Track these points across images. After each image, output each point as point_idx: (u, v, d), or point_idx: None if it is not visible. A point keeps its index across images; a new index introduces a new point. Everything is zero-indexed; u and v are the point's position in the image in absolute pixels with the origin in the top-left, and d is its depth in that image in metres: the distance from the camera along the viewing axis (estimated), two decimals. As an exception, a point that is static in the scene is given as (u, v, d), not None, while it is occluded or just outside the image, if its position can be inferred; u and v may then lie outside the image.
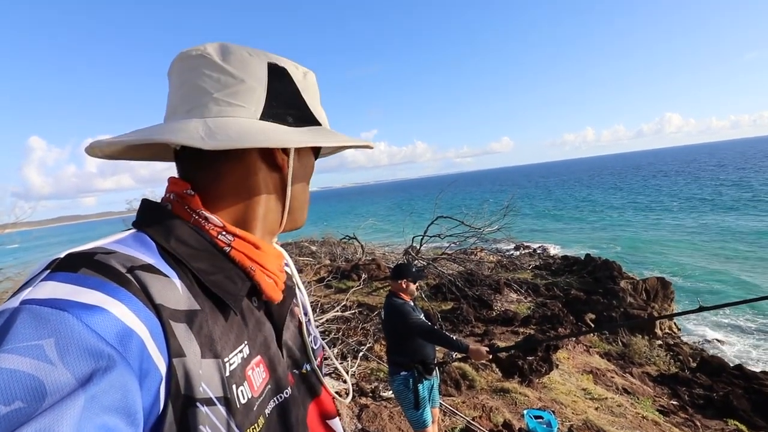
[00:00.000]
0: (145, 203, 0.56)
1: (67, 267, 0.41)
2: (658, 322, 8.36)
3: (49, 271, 0.41)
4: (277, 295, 0.61)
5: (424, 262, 10.08)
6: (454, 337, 2.76)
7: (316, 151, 0.69)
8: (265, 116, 0.55)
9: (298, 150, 0.62)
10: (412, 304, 2.97)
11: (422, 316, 2.93)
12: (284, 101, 0.58)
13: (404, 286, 2.94)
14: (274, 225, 0.62)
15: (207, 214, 0.55)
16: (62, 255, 0.44)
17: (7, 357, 0.33)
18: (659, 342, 7.84)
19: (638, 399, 5.37)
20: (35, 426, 0.30)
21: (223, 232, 0.55)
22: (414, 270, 2.99)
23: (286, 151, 0.60)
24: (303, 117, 0.59)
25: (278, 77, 0.58)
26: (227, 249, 0.55)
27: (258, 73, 0.56)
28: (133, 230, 0.53)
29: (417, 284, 3.01)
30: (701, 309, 2.13)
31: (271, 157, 0.59)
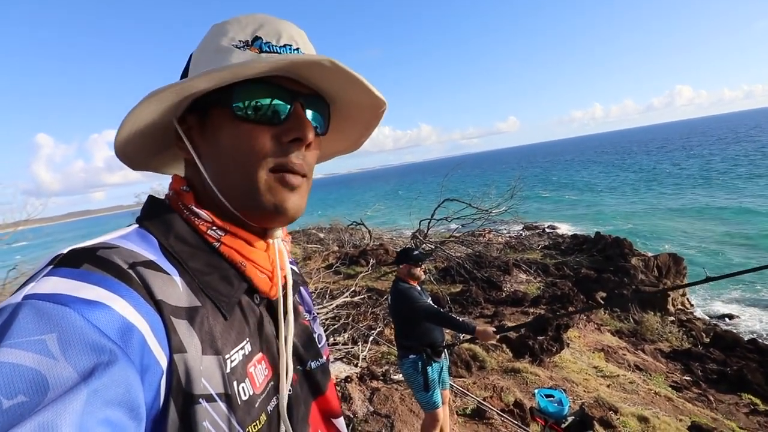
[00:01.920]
0: (149, 200, 0.57)
1: (70, 263, 0.41)
2: (669, 299, 8.29)
3: (51, 266, 0.41)
4: (272, 291, 0.59)
5: (432, 246, 10.07)
6: (461, 319, 2.76)
7: (233, 110, 0.53)
8: None
9: (200, 118, 0.56)
10: (419, 288, 2.97)
11: (429, 300, 2.93)
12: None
13: (409, 270, 2.94)
14: (222, 198, 0.56)
15: (197, 209, 0.55)
16: (65, 251, 0.44)
17: (9, 351, 0.33)
18: (671, 318, 7.81)
19: (651, 375, 5.36)
20: (37, 420, 0.30)
21: (213, 227, 0.54)
22: (417, 253, 2.98)
23: (183, 121, 0.58)
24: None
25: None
26: (216, 244, 0.54)
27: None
28: (136, 226, 0.53)
29: (422, 267, 3.00)
30: (708, 279, 2.10)
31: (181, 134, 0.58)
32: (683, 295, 9.10)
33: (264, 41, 0.54)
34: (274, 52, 0.54)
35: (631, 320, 7.40)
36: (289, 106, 0.55)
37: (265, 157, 0.53)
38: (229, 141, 0.54)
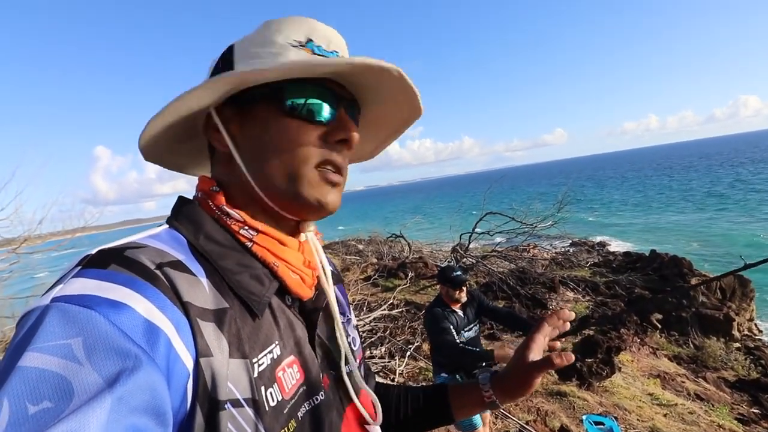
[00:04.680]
0: (179, 200, 0.58)
1: (97, 263, 0.42)
2: (734, 323, 7.59)
3: (80, 267, 0.42)
4: (304, 292, 0.58)
5: (473, 260, 9.84)
6: (479, 350, 2.59)
7: (284, 106, 0.54)
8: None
9: (240, 111, 0.56)
10: (461, 313, 2.83)
11: (473, 326, 2.81)
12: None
13: (447, 292, 2.84)
14: (261, 192, 0.56)
15: (228, 209, 0.55)
16: (93, 251, 0.44)
17: (36, 356, 0.33)
18: (737, 345, 7.14)
19: (713, 406, 4.90)
20: (62, 428, 0.30)
21: (245, 227, 0.54)
22: (457, 275, 2.80)
23: (219, 113, 0.57)
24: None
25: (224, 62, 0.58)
26: (249, 244, 0.54)
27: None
28: (167, 226, 0.54)
29: (463, 290, 2.83)
30: (746, 267, 1.97)
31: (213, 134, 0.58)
32: (750, 320, 8.31)
33: (316, 44, 0.56)
34: (323, 56, 0.56)
35: (691, 345, 6.84)
36: (335, 109, 0.57)
37: (313, 153, 0.55)
38: (277, 135, 0.54)
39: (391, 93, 0.59)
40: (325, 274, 0.65)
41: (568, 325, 0.74)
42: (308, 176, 0.55)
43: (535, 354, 0.70)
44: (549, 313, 0.74)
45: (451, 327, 2.70)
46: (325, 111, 0.55)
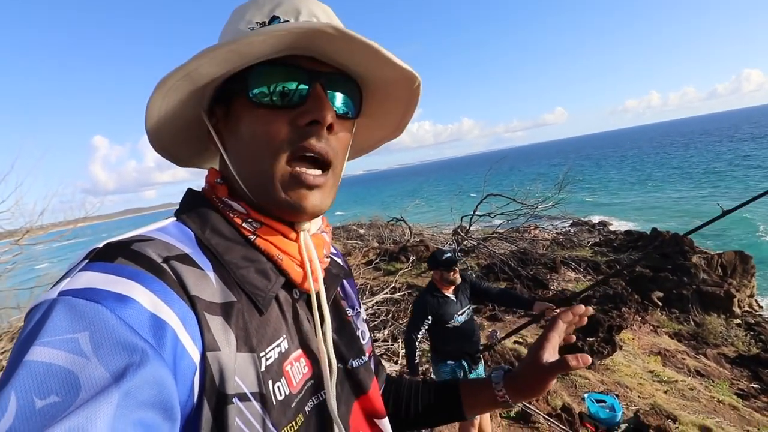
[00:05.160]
0: (188, 192, 0.58)
1: (105, 257, 0.41)
2: (735, 300, 7.65)
3: (87, 261, 0.41)
4: (309, 285, 0.56)
5: (474, 242, 9.87)
6: (417, 361, 2.76)
7: (250, 97, 0.51)
8: None
9: (225, 109, 0.55)
10: (453, 297, 2.83)
11: (465, 310, 2.84)
12: None
13: (442, 276, 2.81)
14: (247, 191, 0.54)
15: (230, 201, 0.54)
16: (101, 245, 0.44)
17: (43, 350, 0.33)
18: (737, 321, 7.21)
19: (713, 382, 4.97)
20: (69, 424, 0.29)
21: (249, 219, 0.53)
22: (448, 257, 2.80)
23: (213, 114, 0.56)
24: None
25: None
26: (252, 237, 0.53)
27: None
28: (174, 219, 0.53)
29: (456, 271, 2.83)
30: (724, 213, 1.95)
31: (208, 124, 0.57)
32: (751, 296, 8.36)
33: (282, 20, 0.51)
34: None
35: (692, 322, 6.90)
36: (307, 87, 0.50)
37: (282, 144, 0.50)
38: (247, 129, 0.51)
39: (362, 58, 0.51)
40: (324, 272, 0.62)
41: (585, 320, 0.71)
42: (280, 175, 0.50)
43: (550, 354, 0.66)
44: (563, 309, 0.71)
45: (427, 323, 2.75)
46: (292, 92, 0.50)
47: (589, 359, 0.61)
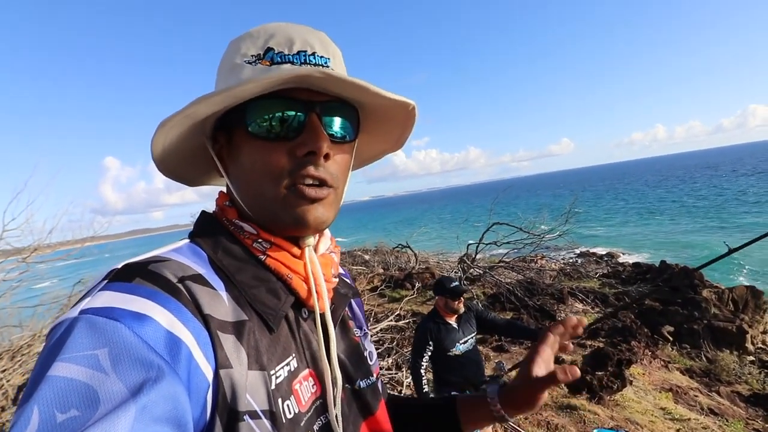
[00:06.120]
0: (201, 215, 0.60)
1: (123, 277, 0.43)
2: (748, 336, 7.45)
3: (106, 281, 0.43)
4: (314, 302, 0.57)
5: (480, 271, 9.77)
6: (425, 389, 2.72)
7: (248, 129, 0.53)
8: None
9: (227, 137, 0.57)
10: (455, 326, 2.79)
11: (468, 339, 2.79)
12: None
13: (446, 303, 2.78)
14: (254, 214, 0.56)
15: (240, 223, 0.56)
16: (119, 265, 0.46)
17: (64, 366, 0.34)
18: (750, 358, 6.99)
19: (727, 421, 4.78)
20: None
21: (258, 240, 0.55)
22: (455, 285, 2.77)
23: (216, 140, 0.59)
24: None
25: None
26: (262, 257, 0.54)
27: None
28: (188, 240, 0.55)
29: (461, 301, 2.79)
30: (730, 252, 1.89)
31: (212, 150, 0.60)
32: (764, 332, 8.14)
33: (276, 51, 0.53)
34: (287, 62, 0.52)
35: (704, 358, 6.70)
36: (303, 118, 0.52)
37: (281, 173, 0.52)
38: (247, 160, 0.53)
39: (353, 91, 0.53)
40: (332, 291, 0.64)
41: (580, 330, 0.70)
42: (280, 198, 0.52)
43: (540, 368, 0.66)
44: (554, 323, 0.70)
45: (429, 350, 2.70)
46: (286, 125, 0.52)
47: (578, 371, 0.60)
